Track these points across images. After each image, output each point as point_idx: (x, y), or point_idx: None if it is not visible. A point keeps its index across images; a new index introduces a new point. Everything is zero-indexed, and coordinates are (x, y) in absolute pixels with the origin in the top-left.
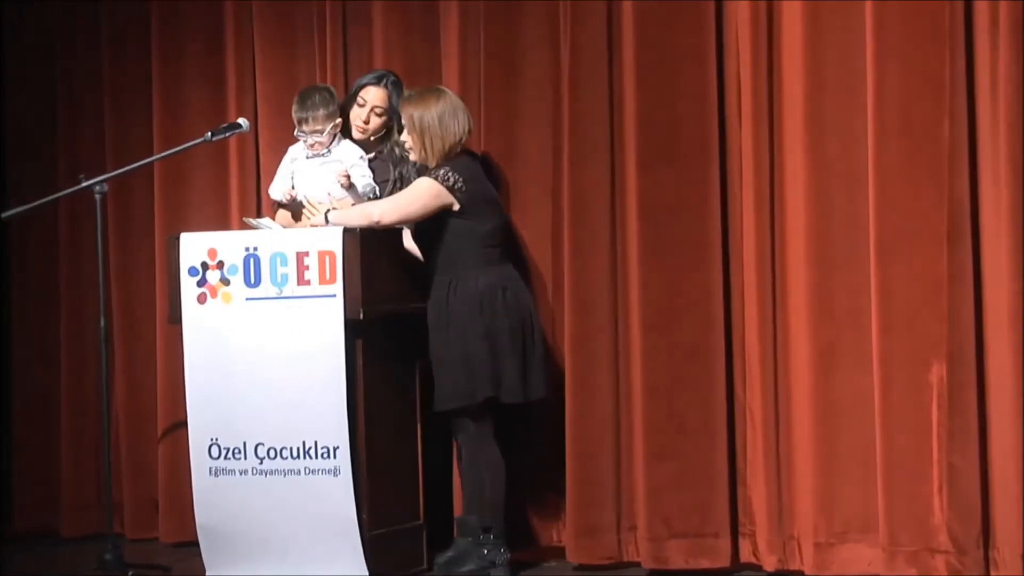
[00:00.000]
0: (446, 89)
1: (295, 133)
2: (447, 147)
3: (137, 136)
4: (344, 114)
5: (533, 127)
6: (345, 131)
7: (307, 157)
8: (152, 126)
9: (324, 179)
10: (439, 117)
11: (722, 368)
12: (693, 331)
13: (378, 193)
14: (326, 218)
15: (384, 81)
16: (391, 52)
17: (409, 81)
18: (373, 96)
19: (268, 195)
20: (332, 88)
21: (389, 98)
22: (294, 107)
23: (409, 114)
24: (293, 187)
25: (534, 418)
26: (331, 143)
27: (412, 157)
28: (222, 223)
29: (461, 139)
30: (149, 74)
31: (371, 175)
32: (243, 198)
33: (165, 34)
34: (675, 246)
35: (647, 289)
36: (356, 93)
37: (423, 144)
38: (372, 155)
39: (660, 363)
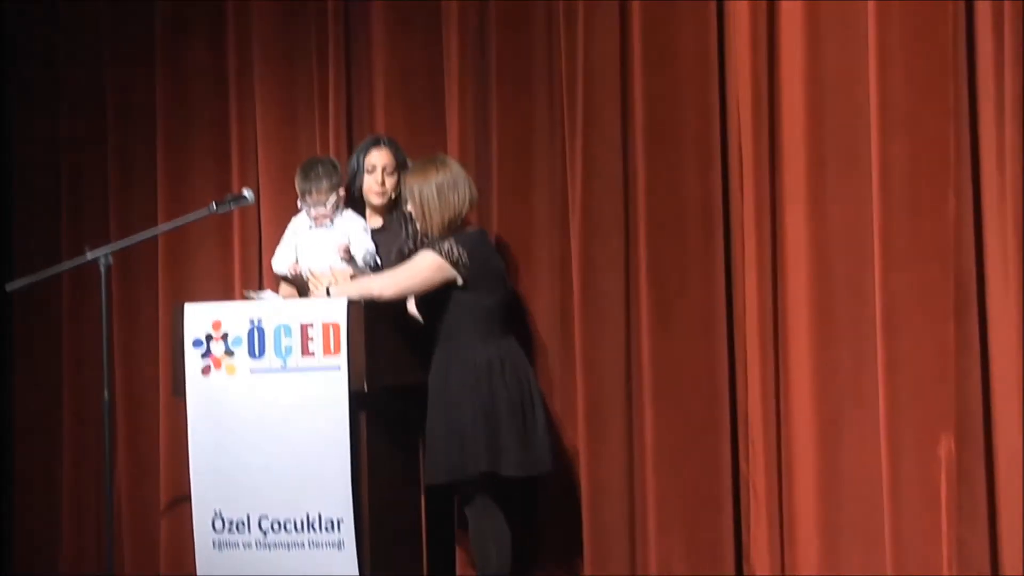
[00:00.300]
0: (448, 159)
1: (298, 205)
2: (446, 220)
3: (141, 208)
4: (354, 188)
5: (544, 197)
6: (354, 204)
7: (310, 228)
8: (156, 198)
9: (327, 251)
10: (438, 189)
11: (727, 442)
12: (700, 403)
13: (379, 262)
14: (327, 292)
15: (380, 141)
16: (394, 122)
17: (414, 152)
18: (378, 158)
19: (271, 268)
20: (335, 160)
21: (394, 155)
22: (297, 179)
23: (409, 186)
24: (296, 260)
25: (542, 490)
26: (334, 214)
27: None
28: (225, 295)
29: (461, 211)
30: (154, 144)
31: (372, 245)
32: (245, 270)
33: (170, 105)
34: (682, 317)
35: (657, 360)
36: (361, 162)
37: (423, 216)
38: (380, 225)
39: (670, 435)
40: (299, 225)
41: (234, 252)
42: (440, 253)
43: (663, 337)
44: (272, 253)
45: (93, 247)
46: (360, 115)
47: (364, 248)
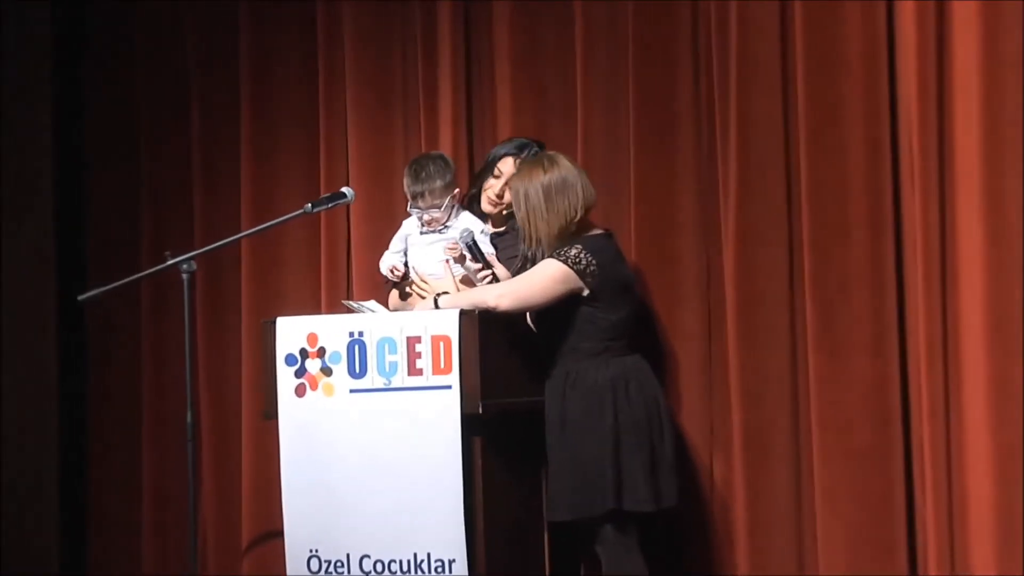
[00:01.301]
0: (559, 157)
1: (409, 208)
2: (554, 228)
3: (226, 211)
4: (475, 187)
5: (689, 199)
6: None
7: (421, 232)
8: (240, 201)
9: (439, 255)
10: (545, 192)
11: (900, 471)
12: (868, 428)
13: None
14: (435, 303)
15: (526, 152)
16: (522, 118)
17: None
18: (511, 168)
19: (363, 274)
20: (446, 156)
21: None
22: (406, 180)
23: (514, 188)
24: (406, 263)
25: (690, 524)
26: (449, 218)
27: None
28: (311, 306)
29: (573, 218)
30: (238, 145)
31: (491, 249)
32: (332, 278)
33: (255, 102)
34: (849, 330)
35: (823, 379)
36: (493, 163)
37: (528, 222)
38: (502, 229)
39: (837, 465)
40: (410, 227)
41: (321, 258)
42: (566, 261)
43: (828, 353)
44: (364, 257)
45: (175, 254)
46: (481, 107)
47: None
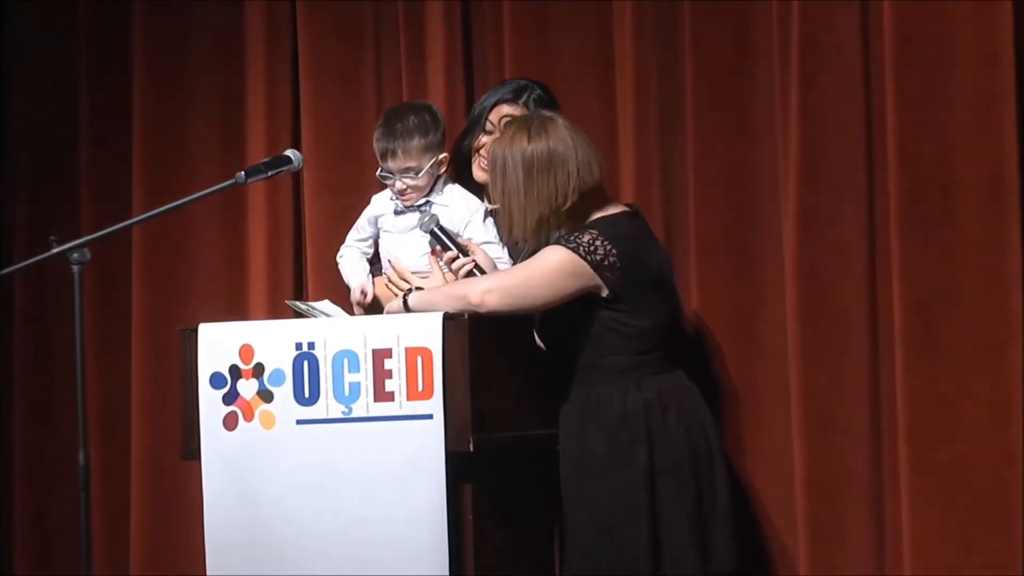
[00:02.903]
0: (556, 120)
1: (378, 174)
2: (531, 218)
3: (122, 189)
4: (463, 148)
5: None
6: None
7: (396, 212)
8: (131, 173)
9: (422, 245)
10: (525, 167)
11: (1020, 522)
12: (978, 468)
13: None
14: (404, 301)
15: (526, 97)
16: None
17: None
18: (508, 115)
19: (337, 264)
20: (434, 107)
21: None
22: (376, 134)
23: (493, 157)
24: (377, 254)
25: None
26: (432, 190)
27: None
28: (230, 310)
29: (560, 206)
30: (128, 100)
31: (499, 238)
32: (275, 272)
33: (151, 41)
34: (954, 336)
35: (914, 399)
36: (483, 115)
37: (502, 209)
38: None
39: (932, 512)
40: (382, 204)
41: (252, 246)
42: (577, 250)
43: (924, 366)
44: (323, 244)
45: (61, 240)
46: (483, 49)
47: (490, 244)
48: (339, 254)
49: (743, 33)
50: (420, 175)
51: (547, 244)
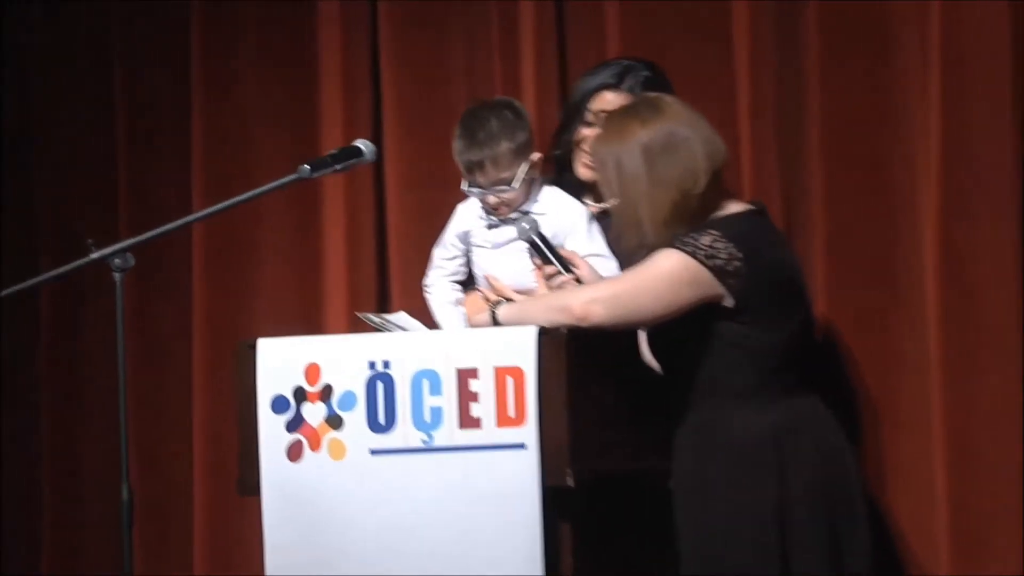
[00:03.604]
0: (664, 99)
1: (463, 187)
2: (663, 210)
3: (166, 186)
4: (561, 144)
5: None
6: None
7: (487, 226)
8: (189, 169)
9: (521, 255)
10: (645, 155)
11: None
12: None
13: None
14: (492, 315)
15: (631, 81)
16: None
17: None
18: (611, 104)
19: (424, 289)
20: (514, 102)
21: None
22: (457, 144)
23: (599, 155)
24: (470, 273)
25: None
26: (526, 198)
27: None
28: (303, 323)
29: (691, 190)
30: (186, 92)
31: (606, 248)
32: (353, 281)
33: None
34: None
35: None
36: (582, 102)
37: (624, 210)
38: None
39: None
40: (469, 217)
41: (329, 250)
42: (695, 254)
43: None
44: (408, 248)
45: (100, 244)
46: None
47: (599, 256)
48: (426, 281)
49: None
50: (515, 185)
51: (706, 235)
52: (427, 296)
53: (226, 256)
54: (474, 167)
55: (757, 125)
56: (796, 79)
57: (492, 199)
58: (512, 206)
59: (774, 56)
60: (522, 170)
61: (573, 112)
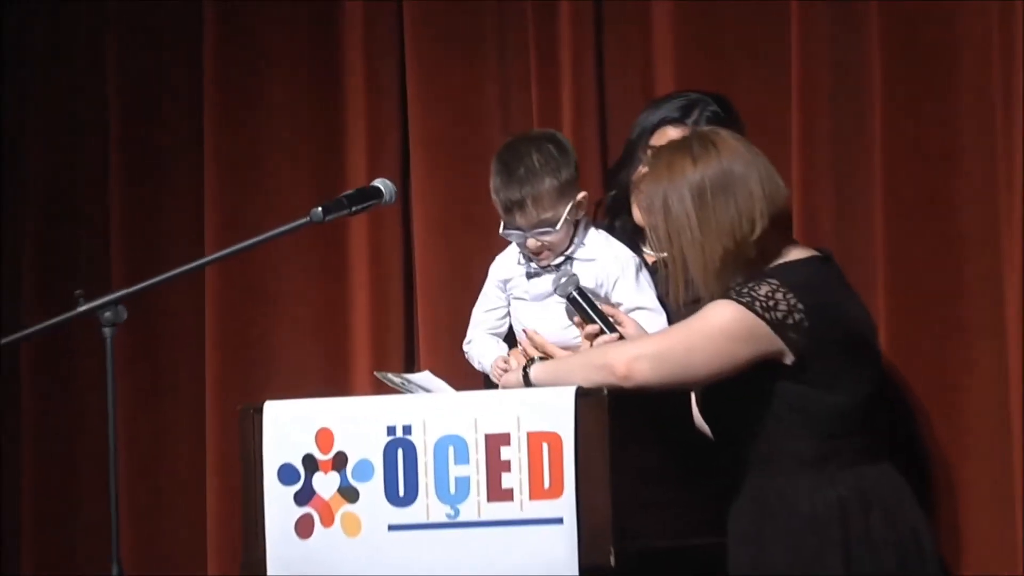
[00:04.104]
0: (719, 132)
1: (502, 232)
2: (714, 258)
3: (167, 228)
4: (616, 185)
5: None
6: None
7: (528, 273)
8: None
9: (561, 308)
10: (696, 196)
11: None
12: None
13: None
14: (525, 374)
15: (696, 114)
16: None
17: None
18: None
19: (465, 353)
20: (558, 135)
21: None
22: (494, 182)
23: (646, 197)
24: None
25: None
26: (570, 242)
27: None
28: (319, 383)
29: (748, 237)
30: (197, 125)
31: (656, 301)
32: (379, 336)
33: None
34: None
35: None
36: (641, 138)
37: (673, 258)
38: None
39: None
40: (509, 265)
41: (350, 303)
42: (752, 305)
43: None
44: (440, 295)
45: (90, 296)
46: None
47: (646, 309)
48: (466, 340)
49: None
50: (558, 227)
51: (765, 284)
52: (466, 350)
53: (239, 307)
54: (513, 207)
55: (811, 160)
56: (855, 110)
57: (533, 243)
58: (555, 251)
59: (830, 83)
60: (566, 210)
61: (632, 149)
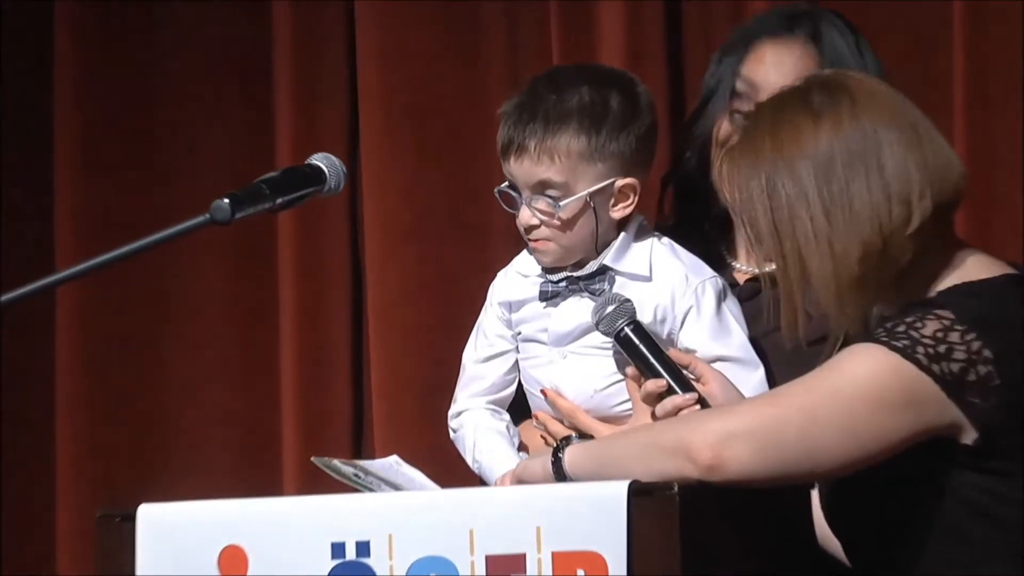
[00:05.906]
0: (851, 75)
1: (497, 190)
2: (850, 266)
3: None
4: (690, 134)
5: None
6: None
7: (544, 293)
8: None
9: (597, 356)
10: (820, 177)
11: None
12: None
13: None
14: (556, 456)
15: (808, 28)
16: None
17: None
18: (790, 65)
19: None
20: (638, 84)
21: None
22: (505, 104)
23: (744, 175)
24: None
25: None
26: (595, 245)
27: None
28: (245, 472)
29: (901, 231)
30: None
31: (748, 344)
32: (307, 396)
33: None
34: None
35: None
36: (731, 76)
37: (786, 264)
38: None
39: None
40: (514, 286)
41: (271, 348)
42: (909, 351)
43: None
44: (407, 338)
45: None
46: None
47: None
48: (453, 410)
49: None
50: (565, 204)
51: (891, 326)
52: (455, 436)
53: (102, 356)
54: (511, 145)
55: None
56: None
57: (526, 214)
58: (558, 244)
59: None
60: (590, 185)
61: (713, 89)
